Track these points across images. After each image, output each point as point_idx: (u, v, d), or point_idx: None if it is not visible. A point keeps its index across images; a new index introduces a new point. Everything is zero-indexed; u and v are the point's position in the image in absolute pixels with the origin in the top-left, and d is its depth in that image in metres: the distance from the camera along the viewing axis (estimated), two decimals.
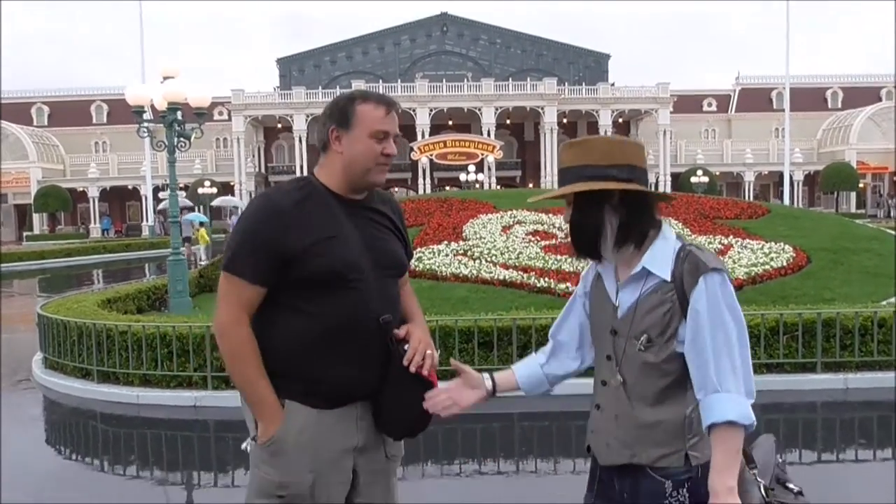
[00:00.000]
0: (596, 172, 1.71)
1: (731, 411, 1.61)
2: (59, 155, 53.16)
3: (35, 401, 7.16)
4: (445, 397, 2.00)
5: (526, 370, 2.05)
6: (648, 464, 1.72)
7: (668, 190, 43.17)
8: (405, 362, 2.02)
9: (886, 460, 5.14)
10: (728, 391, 1.62)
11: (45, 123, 55.63)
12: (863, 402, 6.41)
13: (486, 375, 2.03)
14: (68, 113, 55.91)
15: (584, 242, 1.78)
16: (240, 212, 20.84)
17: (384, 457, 2.17)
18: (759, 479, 1.70)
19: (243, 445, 2.08)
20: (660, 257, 1.72)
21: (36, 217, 48.42)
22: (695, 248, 1.72)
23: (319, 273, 1.97)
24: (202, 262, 20.65)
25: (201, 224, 25.42)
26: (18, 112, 53.70)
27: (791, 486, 1.77)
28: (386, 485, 2.20)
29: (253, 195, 29.19)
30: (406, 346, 2.06)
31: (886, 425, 6.06)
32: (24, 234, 46.93)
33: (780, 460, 1.83)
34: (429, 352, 2.06)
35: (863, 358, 6.71)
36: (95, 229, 48.12)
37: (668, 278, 1.70)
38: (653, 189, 1.71)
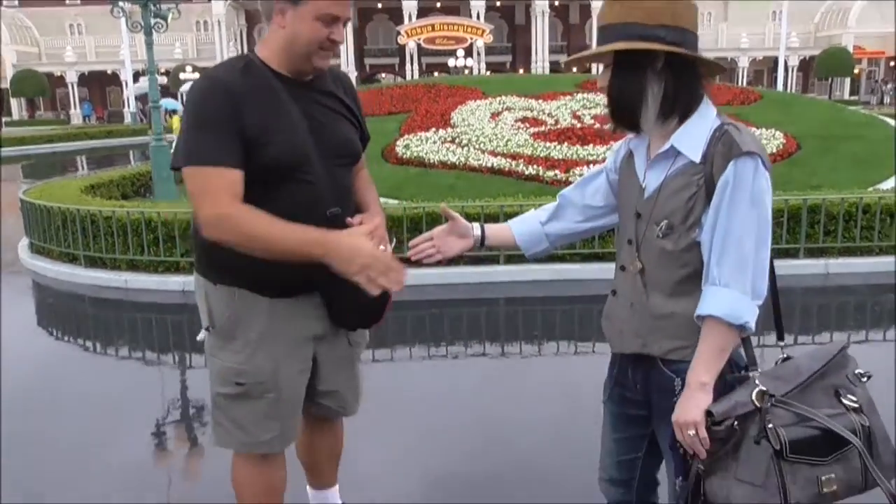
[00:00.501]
0: (641, 32, 1.52)
1: (720, 306, 1.51)
2: (33, 37, 51.15)
3: (24, 285, 7.19)
4: (429, 245, 1.92)
5: (523, 226, 1.95)
6: (660, 355, 1.64)
7: None
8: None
9: (860, 342, 5.29)
10: (726, 285, 1.51)
11: (16, 3, 53.19)
12: (842, 286, 6.54)
13: (476, 224, 1.94)
14: None
15: (623, 111, 1.60)
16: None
17: (346, 344, 2.17)
18: (757, 383, 1.55)
19: (199, 336, 2.08)
20: (692, 136, 1.57)
21: (14, 102, 47.19)
22: (734, 127, 1.55)
23: (266, 165, 1.85)
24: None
25: (173, 111, 24.36)
26: None
27: (848, 400, 1.59)
28: (350, 371, 2.22)
29: None
30: None
31: (863, 309, 6.21)
32: (3, 119, 45.85)
33: (855, 372, 1.66)
34: (381, 247, 1.90)
35: (845, 244, 6.79)
36: (76, 115, 47.02)
37: (698, 160, 1.55)
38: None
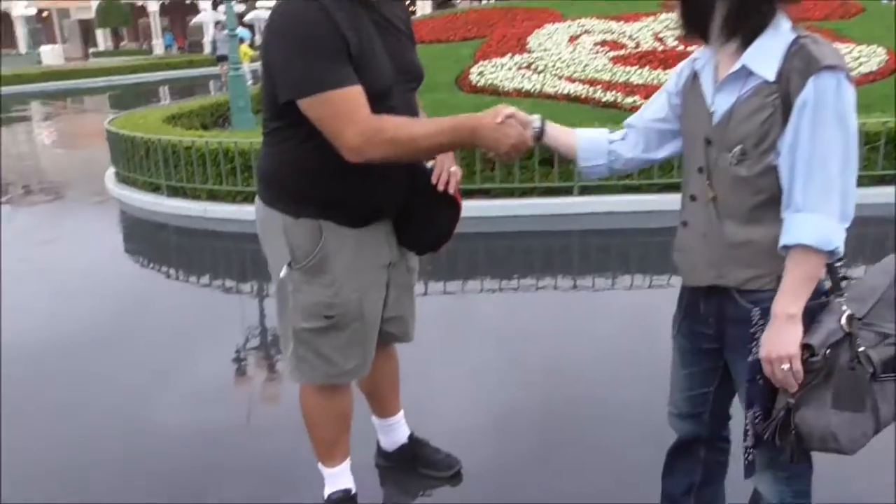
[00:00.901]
0: None
1: (809, 234, 1.42)
2: None
3: (112, 213, 7.50)
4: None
5: (589, 136, 1.87)
6: (736, 286, 1.58)
7: None
8: (433, 180, 2.02)
9: None
10: (813, 210, 1.42)
11: None
12: None
13: (536, 116, 1.86)
14: None
15: (693, 16, 1.53)
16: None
17: (406, 270, 2.22)
18: (844, 308, 1.49)
19: (282, 273, 2.03)
20: (766, 53, 1.46)
21: (100, 33, 48.43)
22: (811, 40, 1.44)
23: (365, 89, 1.80)
24: (249, 83, 20.30)
25: (241, 40, 24.68)
26: None
27: None
28: (410, 297, 2.28)
29: None
30: (430, 164, 2.04)
31: None
32: (90, 50, 47.24)
33: None
34: (453, 169, 2.04)
35: None
36: (158, 45, 47.93)
37: (773, 78, 1.44)
38: None
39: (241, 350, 4.03)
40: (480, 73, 9.64)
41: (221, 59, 23.74)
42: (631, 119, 1.84)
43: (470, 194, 6.41)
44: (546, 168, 6.51)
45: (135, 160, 7.53)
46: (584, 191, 6.51)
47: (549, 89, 8.91)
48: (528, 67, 9.75)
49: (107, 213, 7.53)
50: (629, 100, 8.21)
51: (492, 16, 12.87)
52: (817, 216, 1.43)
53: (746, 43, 1.49)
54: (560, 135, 1.86)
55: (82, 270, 5.51)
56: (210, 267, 5.88)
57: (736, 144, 1.50)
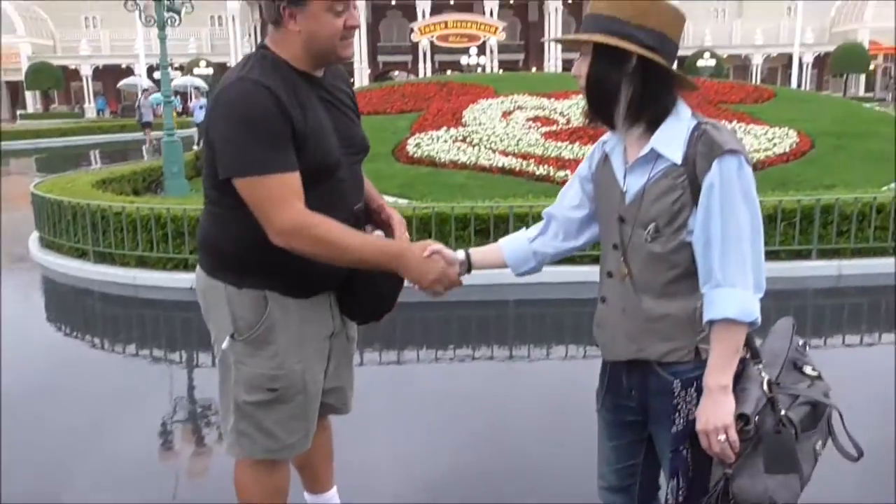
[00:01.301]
0: (620, 29, 1.52)
1: (731, 307, 1.51)
2: (49, 30, 51.44)
3: (34, 279, 7.23)
4: None
5: (512, 244, 1.97)
6: (656, 359, 1.63)
7: None
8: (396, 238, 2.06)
9: (872, 345, 5.23)
10: (733, 285, 1.50)
11: None
12: (855, 287, 6.46)
13: (461, 253, 1.96)
14: None
15: (598, 103, 1.61)
16: (203, 98, 19.64)
17: (346, 339, 2.20)
18: (763, 375, 1.58)
19: (224, 345, 1.98)
20: (671, 138, 1.56)
21: (29, 95, 47.46)
22: (711, 126, 1.55)
23: (308, 168, 1.82)
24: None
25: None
26: None
27: (808, 370, 1.67)
28: (349, 367, 2.25)
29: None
30: (377, 232, 2.04)
31: (877, 310, 6.14)
32: (18, 112, 46.16)
33: (800, 343, 1.73)
34: (404, 236, 2.09)
35: (858, 245, 6.71)
36: (90, 109, 47.24)
37: (680, 161, 1.54)
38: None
39: (167, 423, 3.89)
40: (417, 145, 9.83)
41: (145, 125, 23.39)
42: (550, 209, 1.93)
43: None
44: (481, 239, 6.62)
45: (61, 225, 7.33)
46: None
47: (483, 162, 9.13)
48: (463, 140, 10.00)
49: (28, 278, 7.26)
50: (561, 173, 8.49)
51: (428, 90, 13.21)
52: (737, 290, 1.51)
53: (651, 128, 1.58)
54: (486, 257, 2.01)
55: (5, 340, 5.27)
56: (138, 336, 5.70)
57: (650, 222, 1.58)
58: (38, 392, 4.29)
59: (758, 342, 1.68)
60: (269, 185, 1.76)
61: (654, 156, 1.57)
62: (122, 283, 6.69)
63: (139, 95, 28.20)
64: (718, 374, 1.54)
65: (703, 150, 1.51)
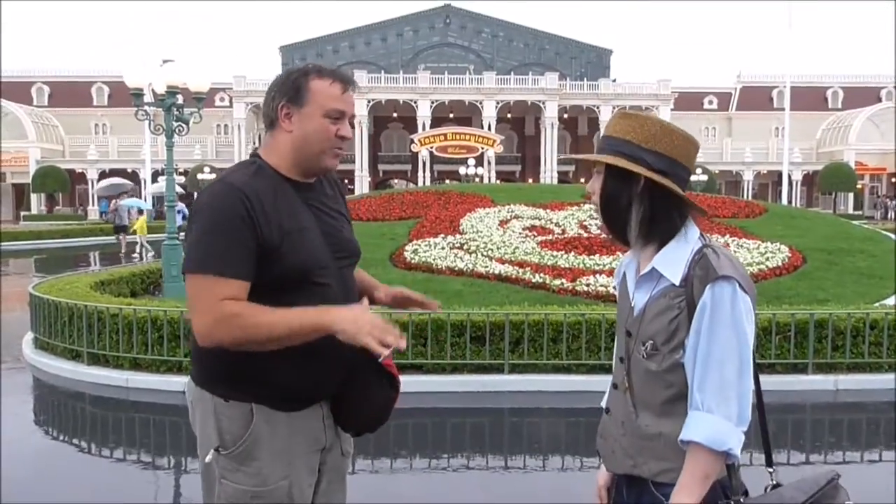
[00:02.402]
0: (631, 151, 1.59)
1: (701, 431, 1.48)
2: (59, 136, 53.00)
3: (25, 381, 7.15)
4: None
5: None
6: (650, 477, 1.61)
7: None
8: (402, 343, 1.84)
9: (874, 462, 5.15)
10: (710, 411, 1.48)
11: (45, 104, 55.38)
12: (852, 403, 6.41)
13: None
14: (69, 94, 55.70)
15: (610, 220, 1.66)
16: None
17: (340, 453, 2.07)
18: None
19: (207, 458, 1.90)
20: (672, 259, 1.59)
21: (34, 197, 48.32)
22: (713, 251, 1.57)
23: (286, 271, 1.81)
24: (135, 257, 19.25)
25: (140, 211, 23.23)
26: (18, 91, 53.47)
27: None
28: (342, 484, 2.11)
29: None
30: None
31: (875, 427, 6.07)
32: (22, 213, 46.83)
33: None
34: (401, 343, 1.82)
35: (854, 360, 6.72)
36: (94, 211, 47.98)
37: (678, 282, 1.57)
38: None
39: None
40: (415, 251, 9.97)
41: (119, 229, 23.13)
42: None
43: (401, 368, 6.40)
44: (477, 346, 6.62)
45: (56, 326, 7.33)
46: (514, 369, 6.60)
47: (480, 269, 9.23)
48: (460, 248, 10.15)
49: (19, 380, 7.18)
50: (557, 282, 8.57)
51: (426, 198, 13.52)
52: (713, 417, 1.48)
53: (661, 245, 1.62)
54: None
55: None
56: (127, 440, 5.59)
57: (648, 339, 1.60)
58: (26, 499, 4.17)
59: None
60: (200, 285, 1.74)
61: (657, 275, 1.61)
62: (114, 386, 6.62)
63: (116, 199, 28.09)
64: (682, 494, 1.51)
65: (699, 274, 1.53)
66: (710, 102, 59.92)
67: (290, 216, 1.84)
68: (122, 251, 22.27)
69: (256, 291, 1.78)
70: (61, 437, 5.71)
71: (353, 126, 1.94)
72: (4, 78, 53.08)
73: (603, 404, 1.79)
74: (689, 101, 56.70)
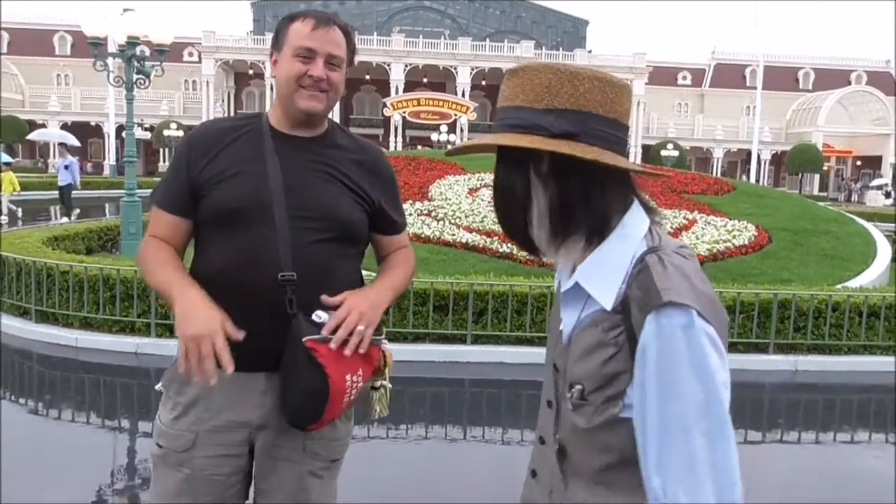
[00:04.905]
0: (524, 119, 1.08)
1: None
2: (18, 84, 51.35)
3: None
4: None
5: None
6: None
7: (639, 161, 43.07)
8: (325, 330, 1.64)
9: (826, 444, 5.17)
10: (675, 498, 0.99)
11: (4, 51, 53.55)
12: (811, 384, 6.46)
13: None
14: (30, 42, 53.98)
15: (510, 223, 1.16)
16: (69, 156, 17.30)
17: (301, 450, 1.80)
18: None
19: (158, 385, 1.85)
20: (603, 269, 1.08)
21: None
22: (658, 258, 1.05)
23: (215, 208, 1.74)
24: (3, 217, 16.67)
25: (7, 164, 19.37)
26: None
27: None
28: (296, 484, 1.81)
29: None
30: (320, 316, 1.66)
31: (832, 409, 6.12)
32: (10, 165, 45.44)
33: None
34: (360, 327, 1.64)
35: (814, 341, 6.75)
36: (54, 164, 46.76)
37: (610, 307, 1.07)
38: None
39: (102, 492, 3.63)
40: None
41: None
42: None
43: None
44: (440, 315, 6.52)
45: (4, 282, 7.05)
46: (477, 340, 6.52)
47: (447, 237, 9.11)
48: (428, 215, 10.00)
49: None
50: (523, 253, 8.47)
51: (396, 163, 13.30)
52: None
53: (590, 241, 1.11)
54: None
55: None
56: (77, 401, 5.40)
57: (575, 384, 1.11)
58: None
59: None
60: (152, 215, 1.87)
61: (585, 295, 1.11)
62: (64, 345, 6.40)
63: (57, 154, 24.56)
64: None
65: (637, 296, 1.03)
66: (685, 78, 60.16)
67: (242, 158, 1.77)
68: None
69: (203, 223, 1.80)
70: (8, 397, 5.50)
71: (334, 67, 1.77)
72: None
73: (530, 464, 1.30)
74: (663, 75, 56.80)
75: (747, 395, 6.09)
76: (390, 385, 1.89)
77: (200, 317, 1.58)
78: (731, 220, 10.41)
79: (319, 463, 1.83)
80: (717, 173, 48.72)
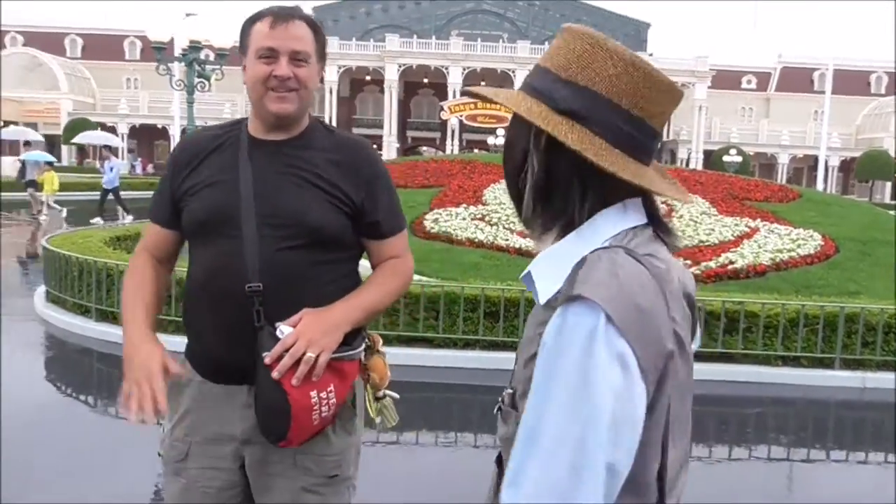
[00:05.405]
0: (542, 84, 0.98)
1: None
2: (91, 89, 53.29)
3: (35, 333, 7.11)
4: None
5: None
6: None
7: (700, 167, 42.08)
8: (268, 359, 1.59)
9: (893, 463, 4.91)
10: None
11: (78, 55, 55.66)
12: (881, 402, 6.14)
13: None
14: (102, 47, 55.93)
15: (508, 180, 1.05)
16: (113, 158, 17.34)
17: (291, 464, 1.74)
18: None
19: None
20: (555, 260, 0.96)
21: (64, 149, 48.74)
22: (602, 254, 0.91)
23: (190, 220, 1.75)
24: (43, 217, 17.36)
25: (49, 164, 19.82)
26: (52, 42, 53.77)
27: None
28: (294, 500, 1.76)
29: None
30: (283, 331, 1.60)
31: None
32: (53, 164, 47.28)
33: None
34: (309, 354, 1.58)
35: (884, 357, 6.43)
36: (124, 166, 48.30)
37: (544, 301, 0.96)
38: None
39: (160, 490, 3.68)
40: (435, 221, 9.77)
41: (29, 184, 19.54)
42: None
43: (411, 341, 6.27)
44: (491, 321, 6.44)
45: (67, 280, 7.26)
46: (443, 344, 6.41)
47: (500, 242, 9.03)
48: (481, 219, 9.94)
49: (30, 331, 7.15)
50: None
51: (451, 167, 13.27)
52: None
53: (560, 233, 1.00)
54: None
55: None
56: None
57: (509, 387, 1.02)
58: (31, 450, 4.09)
59: None
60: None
61: (535, 289, 1.00)
62: (122, 344, 6.53)
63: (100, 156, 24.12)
64: None
65: (564, 290, 0.91)
66: (749, 82, 58.70)
67: (219, 168, 1.75)
68: (37, 210, 18.80)
69: (187, 239, 1.82)
70: (70, 393, 5.65)
71: (300, 63, 1.70)
72: (38, 28, 53.33)
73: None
74: (726, 79, 55.51)
75: (812, 411, 5.84)
76: (396, 395, 1.87)
77: (138, 359, 1.63)
78: (795, 228, 10.05)
79: (313, 479, 1.77)
80: (782, 180, 47.33)
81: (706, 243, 9.28)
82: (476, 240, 9.16)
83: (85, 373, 6.22)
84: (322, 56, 1.79)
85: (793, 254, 8.99)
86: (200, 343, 1.77)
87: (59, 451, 4.24)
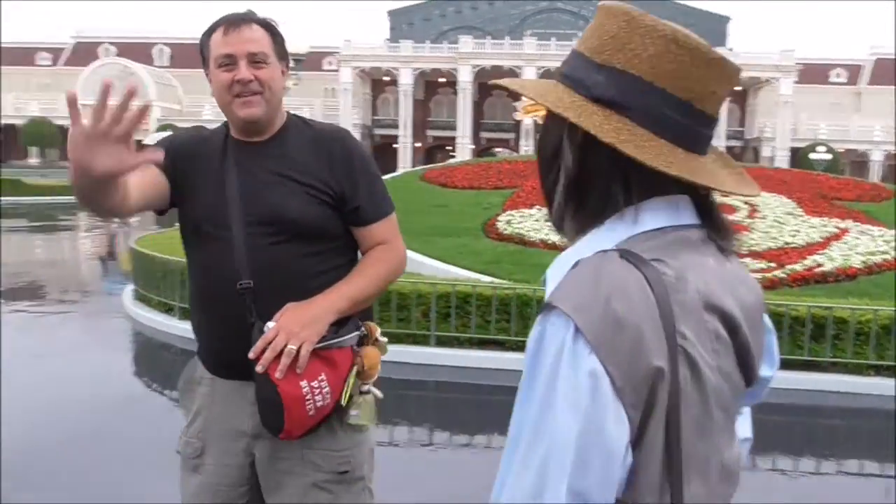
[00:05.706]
0: (577, 72, 0.88)
1: None
2: (177, 96, 55.47)
3: (123, 330, 7.43)
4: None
5: None
6: None
7: (786, 166, 40.51)
8: (251, 354, 1.62)
9: None
10: None
11: (166, 64, 57.99)
12: None
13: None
14: (188, 56, 58.06)
15: (540, 174, 0.96)
16: None
17: (299, 458, 1.76)
18: None
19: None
20: (561, 265, 0.89)
21: None
22: (592, 259, 0.83)
23: (185, 222, 1.80)
24: (135, 218, 17.16)
25: None
26: (140, 52, 56.21)
27: None
28: (304, 496, 1.77)
29: None
30: (268, 325, 1.64)
31: None
32: None
33: None
34: (290, 346, 1.60)
35: None
36: None
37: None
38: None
39: None
40: (508, 222, 9.72)
41: None
42: None
43: (482, 344, 6.24)
44: None
45: (153, 279, 7.54)
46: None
47: None
48: None
49: (119, 329, 7.48)
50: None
51: (525, 168, 13.19)
52: None
53: (586, 229, 0.91)
54: None
55: (77, 381, 5.36)
56: None
57: None
58: (110, 439, 4.27)
59: None
60: None
61: None
62: None
63: None
64: None
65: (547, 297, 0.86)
66: (838, 76, 56.29)
67: (203, 174, 1.79)
68: None
69: (183, 241, 1.85)
70: (153, 386, 5.86)
71: (259, 64, 1.71)
72: (128, 39, 55.81)
73: None
74: (813, 73, 53.40)
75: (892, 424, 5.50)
76: (379, 393, 1.78)
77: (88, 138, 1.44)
78: (889, 229, 9.54)
79: (322, 475, 1.76)
80: (875, 178, 45.15)
81: (791, 245, 8.91)
82: (549, 241, 9.03)
83: (169, 366, 6.45)
84: (283, 56, 1.81)
85: (887, 256, 8.52)
86: (206, 342, 1.83)
87: (150, 448, 4.39)
